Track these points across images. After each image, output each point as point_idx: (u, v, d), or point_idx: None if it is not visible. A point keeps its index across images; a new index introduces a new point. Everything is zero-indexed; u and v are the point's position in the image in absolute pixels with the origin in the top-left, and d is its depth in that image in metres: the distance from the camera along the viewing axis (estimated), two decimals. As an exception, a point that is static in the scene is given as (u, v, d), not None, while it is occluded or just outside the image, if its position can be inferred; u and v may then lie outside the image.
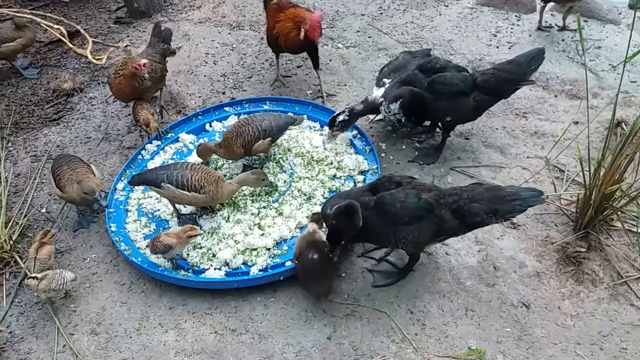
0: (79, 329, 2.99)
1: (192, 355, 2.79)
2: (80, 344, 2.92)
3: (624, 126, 3.26)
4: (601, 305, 2.90)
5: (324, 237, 2.90)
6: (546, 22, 4.67)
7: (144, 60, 3.68)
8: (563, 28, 4.57)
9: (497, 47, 4.47)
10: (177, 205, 3.36)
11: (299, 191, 3.44)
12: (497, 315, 2.87)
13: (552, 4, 4.41)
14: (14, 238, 3.44)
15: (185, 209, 3.43)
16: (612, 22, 4.65)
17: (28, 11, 5.45)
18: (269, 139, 3.49)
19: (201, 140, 3.84)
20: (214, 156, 3.65)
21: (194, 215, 3.37)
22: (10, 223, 3.53)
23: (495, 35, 4.62)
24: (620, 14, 4.77)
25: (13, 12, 5.58)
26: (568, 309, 2.89)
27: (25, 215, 3.62)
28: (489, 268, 3.06)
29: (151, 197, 3.55)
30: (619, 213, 3.10)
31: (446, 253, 3.14)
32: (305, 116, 3.89)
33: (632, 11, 4.54)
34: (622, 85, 3.10)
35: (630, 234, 3.14)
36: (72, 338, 2.95)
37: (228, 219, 3.31)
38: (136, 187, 3.59)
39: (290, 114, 3.83)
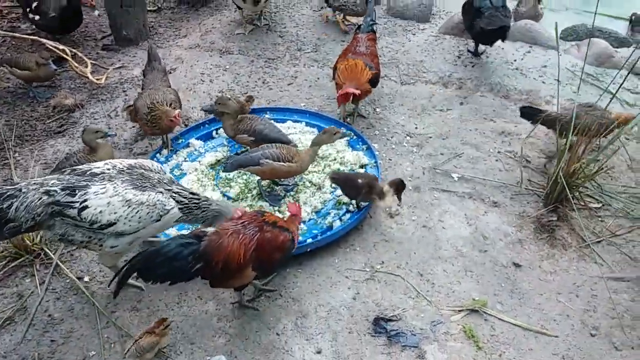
0: (119, 307, 3.22)
1: (234, 319, 3.10)
2: (123, 320, 3.15)
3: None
4: (572, 264, 3.49)
5: (392, 198, 3.54)
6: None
7: (177, 111, 3.96)
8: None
9: (465, 66, 5.20)
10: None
11: (310, 182, 3.89)
12: (491, 274, 3.40)
13: None
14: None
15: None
16: (552, 48, 5.52)
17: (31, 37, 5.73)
18: (252, 138, 3.94)
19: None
20: None
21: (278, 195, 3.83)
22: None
23: (459, 57, 5.37)
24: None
25: (10, 35, 5.84)
26: (547, 267, 3.47)
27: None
28: (479, 238, 3.61)
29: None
30: (580, 191, 3.76)
31: (442, 227, 3.66)
32: (296, 144, 4.13)
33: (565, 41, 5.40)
34: (569, 95, 3.81)
35: (589, 209, 3.81)
36: (113, 315, 3.17)
37: (251, 207, 3.69)
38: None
39: (289, 138, 4.09)
